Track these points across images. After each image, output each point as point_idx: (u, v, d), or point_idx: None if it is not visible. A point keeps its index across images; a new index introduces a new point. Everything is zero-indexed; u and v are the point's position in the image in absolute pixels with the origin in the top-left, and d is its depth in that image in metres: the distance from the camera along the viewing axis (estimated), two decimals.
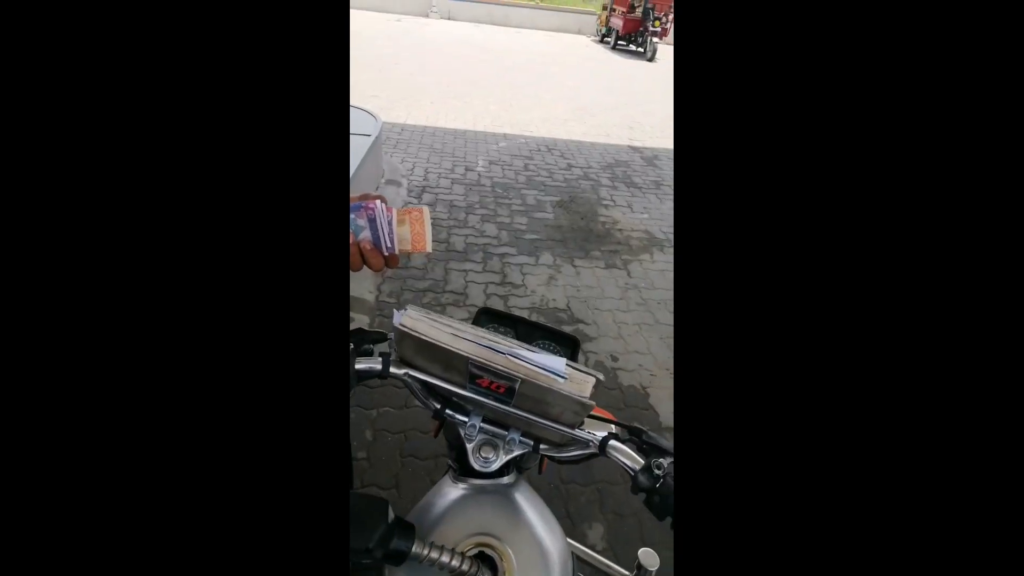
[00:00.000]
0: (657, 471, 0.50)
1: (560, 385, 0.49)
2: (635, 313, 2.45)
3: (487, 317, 0.77)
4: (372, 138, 2.98)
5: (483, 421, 0.60)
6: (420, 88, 6.09)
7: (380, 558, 0.43)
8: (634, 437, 0.55)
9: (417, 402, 0.61)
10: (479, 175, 3.82)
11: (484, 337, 0.52)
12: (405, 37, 9.60)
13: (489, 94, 6.29)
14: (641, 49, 11.03)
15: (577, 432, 0.55)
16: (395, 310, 0.53)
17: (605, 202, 3.65)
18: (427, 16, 13.11)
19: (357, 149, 2.77)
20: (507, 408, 0.54)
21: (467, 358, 0.51)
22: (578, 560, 0.72)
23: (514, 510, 0.59)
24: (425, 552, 0.46)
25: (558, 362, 0.50)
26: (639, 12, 10.86)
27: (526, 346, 0.52)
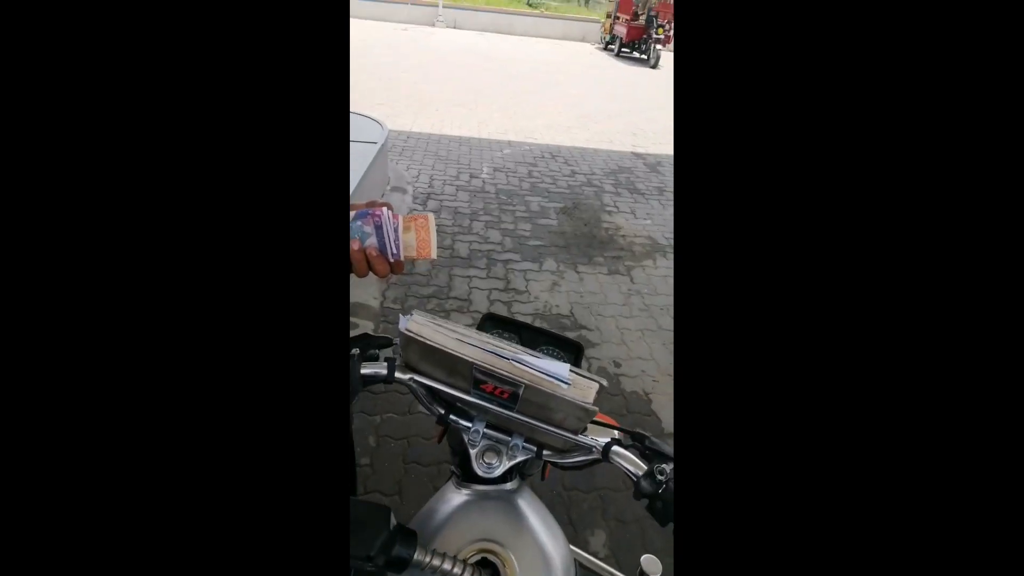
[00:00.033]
0: (660, 477, 0.50)
1: (564, 391, 0.49)
2: (638, 319, 2.44)
3: (491, 323, 0.77)
4: (378, 145, 3.00)
5: (487, 427, 0.60)
6: (426, 96, 6.13)
7: (382, 565, 0.43)
8: (637, 443, 0.55)
9: (421, 407, 0.62)
10: (483, 182, 3.84)
11: (488, 342, 0.52)
12: (411, 46, 9.68)
13: (494, 102, 6.32)
14: (645, 56, 11.10)
15: (580, 438, 0.55)
16: (401, 315, 0.54)
17: (608, 208, 3.65)
18: (433, 25, 13.24)
19: (363, 156, 2.78)
20: (511, 413, 0.54)
21: (471, 363, 0.51)
22: (580, 567, 0.72)
23: (517, 516, 0.59)
24: (427, 559, 0.46)
25: (562, 368, 0.50)
26: (643, 20, 10.94)
27: (530, 351, 0.52)
